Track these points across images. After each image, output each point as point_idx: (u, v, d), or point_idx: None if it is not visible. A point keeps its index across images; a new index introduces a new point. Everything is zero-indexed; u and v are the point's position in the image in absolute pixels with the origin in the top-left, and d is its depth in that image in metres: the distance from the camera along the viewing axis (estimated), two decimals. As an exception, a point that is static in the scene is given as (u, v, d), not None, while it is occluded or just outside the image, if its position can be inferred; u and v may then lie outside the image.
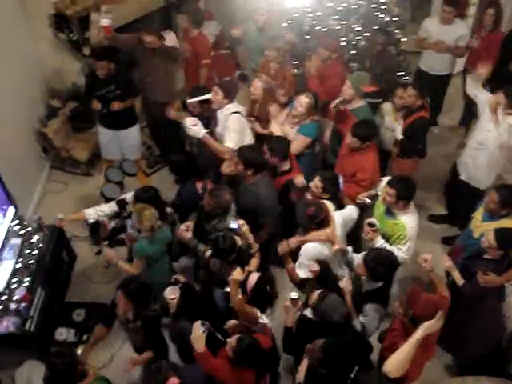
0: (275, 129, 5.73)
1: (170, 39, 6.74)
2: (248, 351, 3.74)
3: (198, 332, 3.88)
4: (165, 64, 6.35)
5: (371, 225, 4.65)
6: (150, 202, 4.79)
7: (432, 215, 6.60)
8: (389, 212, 4.83)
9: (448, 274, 4.68)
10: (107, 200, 5.86)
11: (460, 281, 4.48)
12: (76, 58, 6.91)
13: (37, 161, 7.05)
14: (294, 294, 4.17)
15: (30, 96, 6.76)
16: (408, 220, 4.75)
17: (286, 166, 5.34)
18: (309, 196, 4.95)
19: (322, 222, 4.61)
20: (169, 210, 5.18)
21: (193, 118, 5.38)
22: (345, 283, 4.32)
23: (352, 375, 3.79)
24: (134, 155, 6.75)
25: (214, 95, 5.50)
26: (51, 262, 5.44)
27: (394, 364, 3.56)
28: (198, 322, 3.92)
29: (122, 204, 5.25)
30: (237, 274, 4.26)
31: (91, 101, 6.23)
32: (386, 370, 3.57)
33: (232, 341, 3.80)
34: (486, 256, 4.48)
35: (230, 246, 4.46)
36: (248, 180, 5.09)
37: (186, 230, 4.80)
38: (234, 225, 4.69)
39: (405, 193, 4.67)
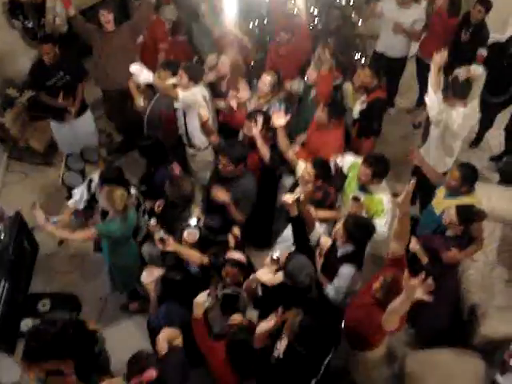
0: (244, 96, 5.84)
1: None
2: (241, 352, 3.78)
3: (203, 298, 3.95)
4: (124, 47, 6.21)
5: (356, 199, 4.73)
6: (117, 181, 4.75)
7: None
8: (363, 189, 4.90)
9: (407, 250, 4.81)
10: (69, 189, 5.81)
11: (424, 259, 4.61)
12: (31, 45, 6.75)
13: (-6, 152, 6.92)
14: (276, 255, 4.24)
15: (-15, 85, 6.60)
16: (383, 194, 4.86)
17: None
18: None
19: (331, 205, 4.86)
20: (133, 191, 5.11)
21: (137, 66, 5.15)
22: (324, 239, 4.46)
23: (326, 361, 3.87)
24: (91, 143, 6.63)
25: (180, 79, 5.45)
26: (13, 253, 5.36)
27: (392, 316, 3.65)
28: (206, 292, 4.01)
29: (89, 185, 5.20)
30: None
31: (43, 96, 6.11)
32: (385, 321, 3.68)
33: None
34: (447, 233, 4.62)
35: None
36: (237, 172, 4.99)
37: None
38: (192, 221, 4.67)
39: (379, 171, 4.79)
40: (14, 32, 6.59)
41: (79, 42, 6.65)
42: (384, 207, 4.81)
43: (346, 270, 4.33)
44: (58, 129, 6.41)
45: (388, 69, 6.82)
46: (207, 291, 4.03)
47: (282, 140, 5.12)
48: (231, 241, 4.70)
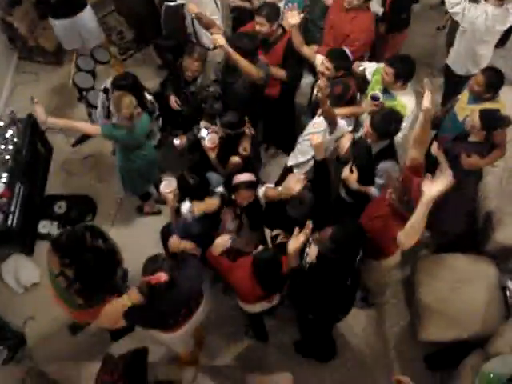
0: None
1: None
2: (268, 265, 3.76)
3: (225, 240, 3.95)
4: None
5: (375, 98, 4.54)
6: (128, 89, 4.62)
7: None
8: (386, 92, 4.70)
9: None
10: (80, 90, 5.70)
11: (444, 163, 4.47)
12: None
13: (3, 52, 6.75)
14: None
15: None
16: (407, 100, 4.67)
17: None
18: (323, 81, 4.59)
19: (352, 99, 4.61)
20: (149, 97, 5.00)
21: None
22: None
23: (358, 258, 3.92)
24: (96, 40, 6.33)
25: None
26: (28, 156, 5.36)
27: (410, 233, 3.52)
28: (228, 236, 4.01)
29: (107, 92, 5.05)
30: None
31: None
32: (402, 240, 3.57)
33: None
34: (470, 139, 4.47)
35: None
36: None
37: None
38: (203, 133, 4.62)
39: (404, 71, 4.57)
40: None
41: None
42: (407, 113, 4.61)
43: (387, 165, 4.20)
44: (58, 25, 6.12)
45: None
46: (229, 235, 4.02)
47: (296, 37, 4.87)
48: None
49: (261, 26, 4.84)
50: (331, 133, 4.53)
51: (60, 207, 5.63)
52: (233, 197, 4.21)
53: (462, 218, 4.87)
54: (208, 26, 5.09)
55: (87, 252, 3.79)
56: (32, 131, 5.50)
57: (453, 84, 5.83)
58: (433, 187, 3.26)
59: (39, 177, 5.72)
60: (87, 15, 6.16)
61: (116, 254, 3.97)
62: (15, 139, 5.26)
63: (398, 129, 4.20)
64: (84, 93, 5.64)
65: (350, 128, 4.65)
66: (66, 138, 6.08)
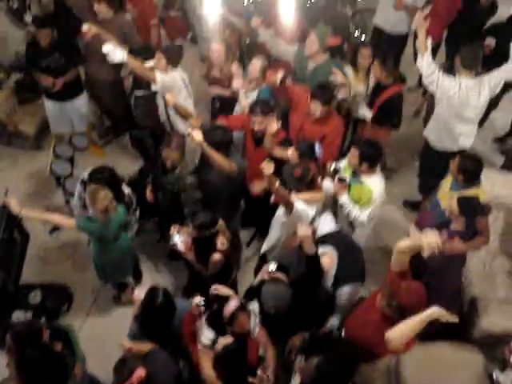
0: (238, 85, 5.65)
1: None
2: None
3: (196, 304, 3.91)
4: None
5: (341, 179, 4.65)
6: (104, 182, 4.59)
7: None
8: (355, 176, 4.77)
9: None
10: (58, 178, 5.66)
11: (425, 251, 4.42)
12: (18, 26, 6.56)
13: (-18, 137, 6.74)
14: (273, 267, 4.10)
15: (-29, 68, 6.41)
16: (373, 184, 4.70)
17: None
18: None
19: (311, 182, 4.52)
20: (126, 190, 4.98)
21: (109, 45, 4.98)
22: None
23: None
24: (84, 125, 6.51)
25: (157, 61, 5.31)
26: (3, 243, 5.21)
27: (399, 336, 3.42)
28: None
29: (84, 184, 4.99)
30: None
31: (35, 73, 5.94)
32: (390, 339, 3.44)
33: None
34: (451, 227, 4.45)
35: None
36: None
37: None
38: (175, 238, 4.52)
39: (368, 154, 4.61)
40: (0, 13, 6.35)
41: (72, 20, 6.37)
42: (372, 197, 4.66)
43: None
44: (51, 107, 6.27)
45: (388, 44, 6.61)
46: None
47: (269, 141, 4.90)
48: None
49: (259, 124, 4.90)
50: (288, 216, 4.51)
51: (35, 296, 5.44)
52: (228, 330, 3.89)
53: (447, 304, 4.77)
54: (185, 116, 5.13)
55: (35, 349, 3.61)
56: (8, 218, 5.38)
57: (428, 160, 5.89)
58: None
59: (14, 265, 5.55)
60: (82, 101, 6.26)
61: (70, 367, 3.76)
62: (-9, 225, 5.14)
63: None
64: (62, 180, 5.59)
65: (313, 212, 4.56)
66: (43, 225, 5.96)
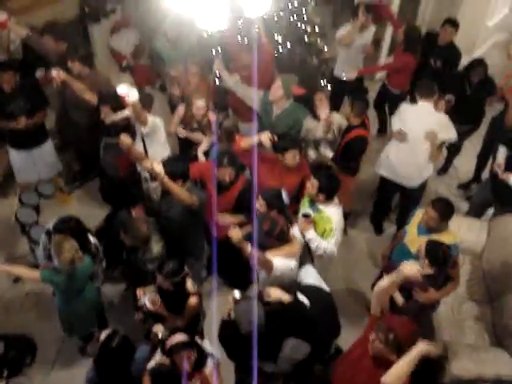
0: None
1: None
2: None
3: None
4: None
5: (306, 215, 4.66)
6: (69, 233, 4.50)
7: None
8: (312, 206, 4.82)
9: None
10: (23, 225, 5.55)
11: (399, 299, 4.42)
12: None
13: None
14: (238, 295, 4.06)
15: None
16: (332, 212, 4.74)
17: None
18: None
19: (281, 235, 4.46)
20: (93, 240, 4.89)
21: (124, 86, 5.09)
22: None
23: None
24: (51, 173, 6.42)
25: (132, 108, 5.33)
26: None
27: (395, 378, 3.37)
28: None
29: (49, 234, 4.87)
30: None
31: None
32: (387, 383, 3.40)
33: None
34: (423, 271, 4.44)
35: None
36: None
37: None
38: (143, 299, 4.39)
39: (326, 185, 4.69)
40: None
41: (39, 66, 6.43)
42: (333, 226, 4.69)
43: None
44: (16, 156, 6.14)
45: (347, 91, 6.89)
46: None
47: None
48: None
49: (224, 175, 4.96)
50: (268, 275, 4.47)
51: (-3, 348, 5.28)
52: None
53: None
54: (137, 158, 5.16)
55: None
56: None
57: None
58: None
59: (-24, 315, 5.41)
60: (47, 148, 6.19)
61: None
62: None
63: None
64: (27, 228, 5.49)
65: (295, 263, 4.51)
66: (7, 274, 5.82)
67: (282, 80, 5.55)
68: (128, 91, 5.05)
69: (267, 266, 4.35)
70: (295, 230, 4.67)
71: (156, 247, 4.79)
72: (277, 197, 4.76)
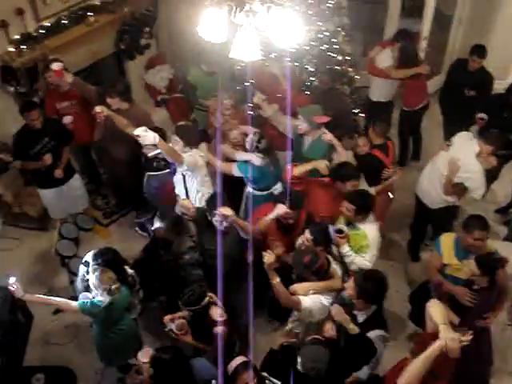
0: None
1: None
2: None
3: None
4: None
5: (339, 231, 4.75)
6: (107, 264, 4.59)
7: None
8: (349, 224, 4.90)
9: None
10: (62, 257, 5.66)
11: (455, 320, 4.33)
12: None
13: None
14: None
15: (-22, 151, 6.48)
16: (369, 229, 4.84)
17: None
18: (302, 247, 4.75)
19: (319, 271, 4.47)
20: (130, 271, 4.96)
21: (143, 128, 5.06)
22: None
23: None
24: (82, 206, 6.54)
25: (174, 145, 5.37)
26: (7, 326, 5.17)
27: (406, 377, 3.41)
28: None
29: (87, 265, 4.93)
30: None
31: (26, 164, 6.00)
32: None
33: None
34: (475, 287, 4.44)
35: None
36: None
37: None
38: (170, 325, 4.44)
39: (364, 206, 4.81)
40: (7, 97, 6.50)
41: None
42: (369, 242, 4.78)
43: (377, 340, 4.12)
44: (47, 194, 6.27)
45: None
46: None
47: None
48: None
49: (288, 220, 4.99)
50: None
51: (38, 380, 5.30)
52: None
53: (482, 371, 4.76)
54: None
55: None
56: (13, 300, 5.33)
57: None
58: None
59: (18, 347, 5.48)
60: (75, 183, 6.31)
61: None
62: (-4, 308, 5.09)
63: (380, 292, 4.17)
64: (66, 260, 5.60)
65: (329, 301, 4.49)
66: (47, 306, 5.92)
67: (301, 113, 5.61)
68: (144, 133, 4.98)
69: (293, 304, 4.40)
70: (337, 268, 4.69)
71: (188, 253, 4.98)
72: (324, 233, 4.78)
